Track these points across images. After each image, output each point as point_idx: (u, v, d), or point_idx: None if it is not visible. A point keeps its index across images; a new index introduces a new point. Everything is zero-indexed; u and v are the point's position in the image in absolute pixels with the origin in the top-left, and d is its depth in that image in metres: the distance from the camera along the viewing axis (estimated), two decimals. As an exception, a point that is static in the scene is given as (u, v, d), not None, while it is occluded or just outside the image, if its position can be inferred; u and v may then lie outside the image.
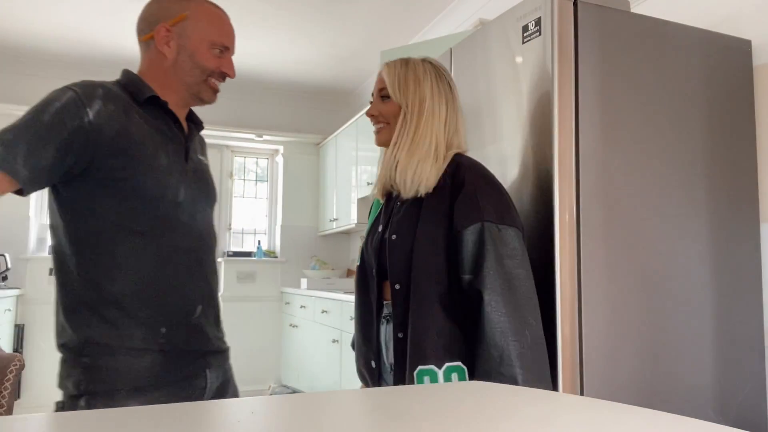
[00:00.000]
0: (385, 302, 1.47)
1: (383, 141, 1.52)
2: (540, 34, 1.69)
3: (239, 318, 5.31)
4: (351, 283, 4.94)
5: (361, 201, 4.60)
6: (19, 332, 4.52)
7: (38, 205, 4.93)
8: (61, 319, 1.30)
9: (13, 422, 0.52)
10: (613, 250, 1.70)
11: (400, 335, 1.37)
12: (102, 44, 4.46)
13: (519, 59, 1.78)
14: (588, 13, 1.71)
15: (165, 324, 1.30)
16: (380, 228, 1.51)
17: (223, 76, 1.44)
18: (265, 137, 5.50)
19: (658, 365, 1.74)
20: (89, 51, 4.61)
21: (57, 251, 1.31)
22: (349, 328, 3.76)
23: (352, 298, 3.74)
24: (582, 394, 1.62)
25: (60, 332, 1.31)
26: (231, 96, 5.43)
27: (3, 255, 4.49)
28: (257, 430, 0.53)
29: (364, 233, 1.62)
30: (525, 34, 1.75)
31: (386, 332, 1.45)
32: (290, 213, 5.58)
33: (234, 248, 5.60)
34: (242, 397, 1.45)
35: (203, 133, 1.61)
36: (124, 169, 1.27)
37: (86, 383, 1.25)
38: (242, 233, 5.74)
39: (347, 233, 5.70)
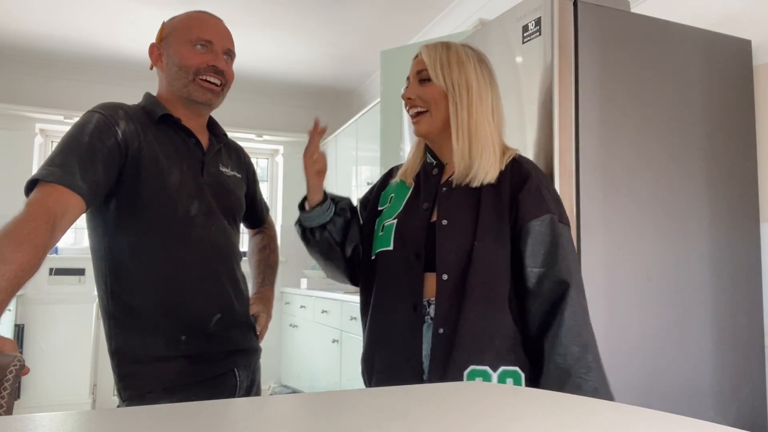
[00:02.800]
0: (425, 300, 1.30)
1: (424, 130, 1.37)
2: (540, 34, 1.69)
3: (239, 318, 5.29)
4: (351, 283, 4.94)
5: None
6: (19, 332, 4.52)
7: (38, 205, 4.93)
8: (104, 329, 1.40)
9: (13, 422, 0.52)
10: (612, 249, 1.70)
11: (441, 330, 1.24)
12: (101, 45, 4.46)
13: (519, 59, 1.78)
14: (588, 13, 1.71)
15: (184, 332, 1.35)
16: (425, 208, 1.35)
17: (212, 69, 1.42)
18: (265, 137, 5.50)
19: (658, 365, 1.74)
20: (89, 51, 4.61)
21: (93, 266, 1.41)
22: (349, 328, 3.76)
23: (352, 297, 3.74)
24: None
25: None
26: (231, 96, 5.43)
27: (3, 255, 4.48)
28: (257, 429, 0.53)
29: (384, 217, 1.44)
30: (525, 34, 1.75)
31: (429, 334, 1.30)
32: (290, 213, 5.58)
33: (234, 248, 5.61)
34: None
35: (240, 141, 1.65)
36: (139, 187, 1.34)
37: (124, 390, 1.33)
38: (242, 233, 5.74)
39: (347, 233, 5.70)
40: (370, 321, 1.38)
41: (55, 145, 1.46)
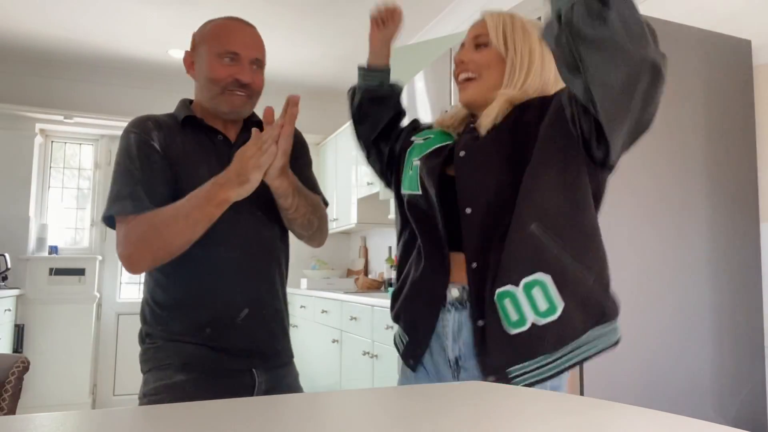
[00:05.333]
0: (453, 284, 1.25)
1: (471, 97, 1.31)
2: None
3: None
4: (351, 282, 4.93)
5: (361, 201, 4.59)
6: (19, 332, 4.52)
7: (38, 205, 4.93)
8: (140, 315, 1.48)
9: (13, 422, 0.52)
10: (612, 250, 1.69)
11: (474, 265, 1.21)
12: (101, 44, 4.46)
13: (519, 59, 1.78)
14: (588, 13, 1.71)
15: (210, 325, 1.40)
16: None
17: (238, 84, 1.41)
18: (265, 137, 5.49)
19: (658, 365, 1.74)
20: (89, 51, 4.60)
21: None
22: (349, 328, 3.76)
23: (352, 297, 3.74)
24: (582, 394, 1.62)
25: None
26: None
27: (3, 255, 4.49)
28: (255, 429, 0.53)
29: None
30: (525, 34, 1.75)
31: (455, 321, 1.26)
32: (290, 213, 5.57)
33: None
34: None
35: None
36: (170, 188, 1.38)
37: (146, 363, 1.40)
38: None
39: (347, 233, 5.70)
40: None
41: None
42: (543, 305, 1.13)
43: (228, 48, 1.42)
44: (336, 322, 4.02)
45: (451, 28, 3.84)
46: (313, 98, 5.72)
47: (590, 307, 1.15)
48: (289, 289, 5.19)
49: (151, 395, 1.35)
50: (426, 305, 1.29)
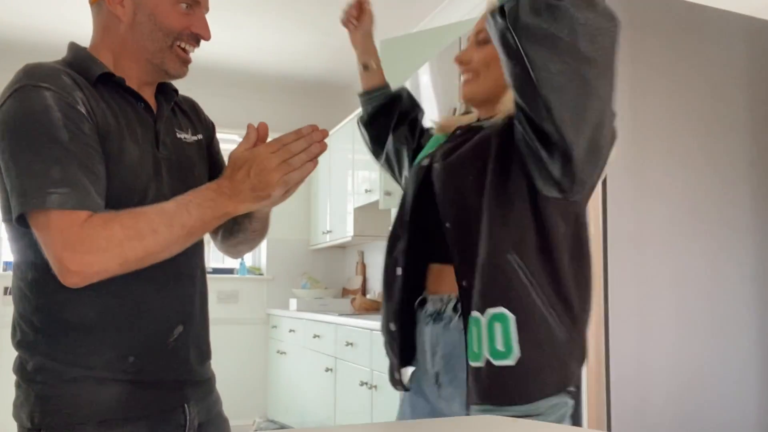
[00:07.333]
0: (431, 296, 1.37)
1: (468, 95, 1.39)
2: (561, 21, 1.70)
3: (219, 343, 5.19)
4: (347, 303, 4.92)
5: (359, 211, 4.58)
6: None
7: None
8: (16, 345, 1.27)
9: None
10: (643, 263, 1.69)
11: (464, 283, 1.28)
12: (59, 31, 4.47)
13: (537, 49, 1.78)
14: (615, -4, 1.72)
15: (134, 351, 1.24)
16: None
17: (195, 38, 1.32)
18: (250, 138, 5.49)
19: (694, 398, 1.73)
20: (45, 38, 4.62)
21: (15, 271, 1.28)
22: (344, 355, 3.75)
23: (347, 321, 3.73)
24: (609, 428, 1.61)
25: (16, 359, 1.28)
26: (211, 92, 5.44)
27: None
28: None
29: None
30: (544, 21, 1.76)
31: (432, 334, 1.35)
32: (277, 224, 5.52)
33: (213, 264, 5.59)
34: None
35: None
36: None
37: (41, 415, 1.20)
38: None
39: (342, 248, 5.68)
40: None
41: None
42: (500, 345, 1.17)
43: None
44: (330, 348, 4.00)
45: (460, 15, 3.85)
46: (306, 94, 5.72)
47: (554, 367, 1.19)
48: (276, 311, 5.21)
49: None
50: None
